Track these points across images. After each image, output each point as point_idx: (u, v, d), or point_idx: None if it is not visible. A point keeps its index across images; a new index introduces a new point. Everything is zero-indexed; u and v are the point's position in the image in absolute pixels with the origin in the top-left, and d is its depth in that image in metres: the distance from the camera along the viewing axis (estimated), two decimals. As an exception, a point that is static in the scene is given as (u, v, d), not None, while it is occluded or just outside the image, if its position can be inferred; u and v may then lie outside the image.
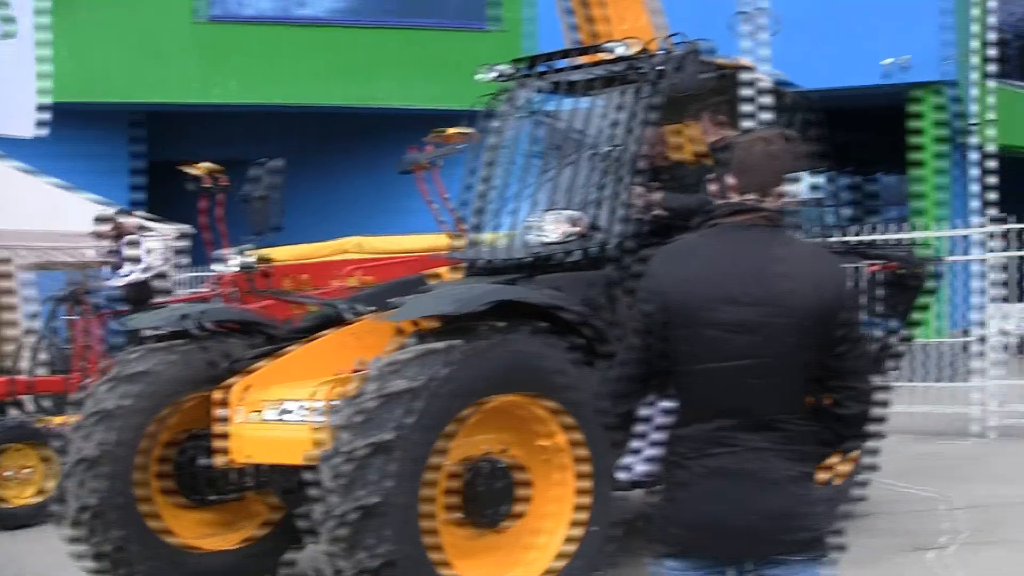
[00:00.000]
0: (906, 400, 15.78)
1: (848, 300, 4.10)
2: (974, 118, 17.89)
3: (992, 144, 16.90)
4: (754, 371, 3.92)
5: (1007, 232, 15.67)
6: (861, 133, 28.74)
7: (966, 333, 16.42)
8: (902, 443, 14.31)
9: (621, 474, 4.25)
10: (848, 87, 24.79)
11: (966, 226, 16.36)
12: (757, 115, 8.42)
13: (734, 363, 3.93)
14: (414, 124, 12.85)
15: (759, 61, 8.52)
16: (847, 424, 4.09)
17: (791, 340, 3.93)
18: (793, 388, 3.99)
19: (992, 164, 16.67)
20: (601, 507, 7.54)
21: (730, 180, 4.14)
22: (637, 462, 4.18)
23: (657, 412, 4.11)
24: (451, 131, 10.00)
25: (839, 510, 9.68)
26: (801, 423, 4.00)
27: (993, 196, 16.45)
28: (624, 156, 8.26)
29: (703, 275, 4.01)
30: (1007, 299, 16.69)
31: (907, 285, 10.21)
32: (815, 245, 4.59)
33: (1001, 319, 17.03)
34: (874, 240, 15.11)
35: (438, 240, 9.80)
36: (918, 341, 16.25)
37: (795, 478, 3.97)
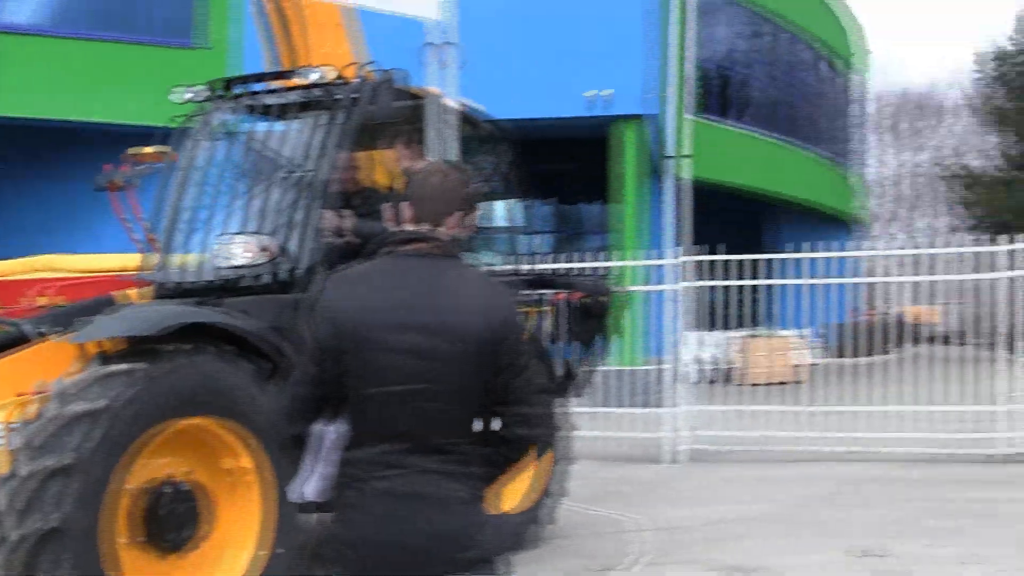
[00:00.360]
0: (600, 426, 16.22)
1: (516, 328, 4.20)
2: (672, 151, 18.48)
3: (688, 177, 17.49)
4: (424, 395, 3.99)
5: (700, 262, 16.22)
6: (565, 163, 29.38)
7: (661, 361, 16.91)
8: (596, 468, 14.71)
9: (294, 496, 4.27)
10: (553, 117, 25.33)
11: (661, 256, 16.85)
12: (446, 144, 8.55)
13: (404, 388, 3.99)
14: (115, 140, 12.59)
15: (449, 92, 8.64)
16: (514, 448, 4.20)
17: (460, 366, 4.02)
18: (462, 412, 4.08)
19: (687, 196, 17.24)
20: (286, 530, 7.52)
21: (405, 209, 4.21)
22: (309, 484, 4.20)
23: (329, 434, 4.14)
24: (148, 150, 9.84)
25: (527, 532, 9.93)
26: (470, 446, 4.09)
27: (688, 227, 17.02)
28: (316, 181, 8.28)
29: (375, 301, 4.06)
30: (700, 328, 17.26)
31: (592, 313, 10.49)
32: (487, 274, 4.71)
33: (695, 347, 17.62)
34: (571, 269, 15.45)
35: (131, 260, 9.63)
36: (614, 368, 16.73)
37: (464, 499, 4.05)
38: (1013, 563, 9.65)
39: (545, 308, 10.31)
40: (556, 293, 10.50)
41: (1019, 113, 51.62)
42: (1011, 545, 10.30)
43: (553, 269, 15.14)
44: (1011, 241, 15.81)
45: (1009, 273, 15.69)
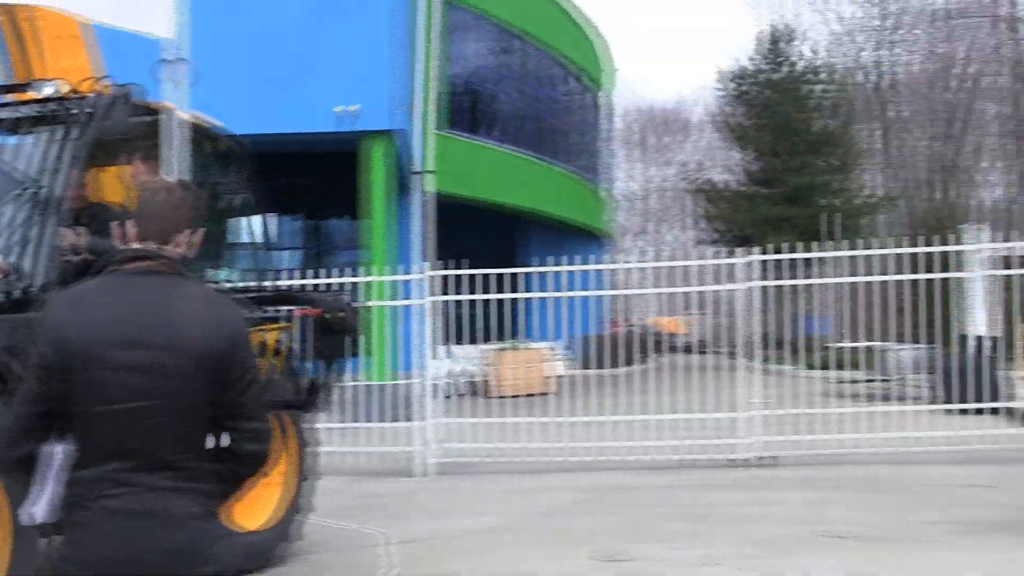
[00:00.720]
0: (351, 441, 16.22)
1: (245, 344, 4.20)
2: (419, 167, 18.57)
3: (432, 191, 17.58)
4: (151, 413, 3.96)
5: (448, 277, 16.33)
6: (314, 178, 29.25)
7: (411, 375, 16.97)
8: (348, 483, 14.70)
9: (24, 518, 4.18)
10: (302, 132, 25.23)
11: (408, 271, 16.91)
12: (180, 160, 8.46)
13: (131, 405, 3.95)
14: None
15: (183, 108, 8.56)
16: (244, 463, 4.19)
17: (188, 382, 3.99)
18: (192, 429, 4.05)
19: (432, 211, 17.35)
20: (23, 555, 7.34)
21: (131, 227, 4.18)
22: (39, 504, 4.12)
23: (58, 454, 4.08)
24: None
25: (275, 549, 9.87)
26: (200, 462, 4.07)
27: (433, 242, 17.11)
28: (51, 197, 8.10)
29: (100, 319, 4.01)
30: (451, 342, 17.38)
31: (333, 329, 10.47)
32: (215, 291, 4.68)
33: (445, 361, 17.74)
34: (318, 285, 15.40)
35: None
36: (364, 383, 16.72)
37: (197, 515, 4.02)
38: (751, 562, 9.97)
39: (287, 325, 10.26)
40: (298, 309, 10.44)
41: (759, 131, 53.25)
42: (750, 544, 10.63)
43: (301, 285, 15.08)
44: (749, 253, 16.35)
45: (746, 284, 16.21)
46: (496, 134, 39.56)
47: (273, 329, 10.03)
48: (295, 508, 10.41)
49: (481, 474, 15.76)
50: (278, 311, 10.30)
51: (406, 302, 16.70)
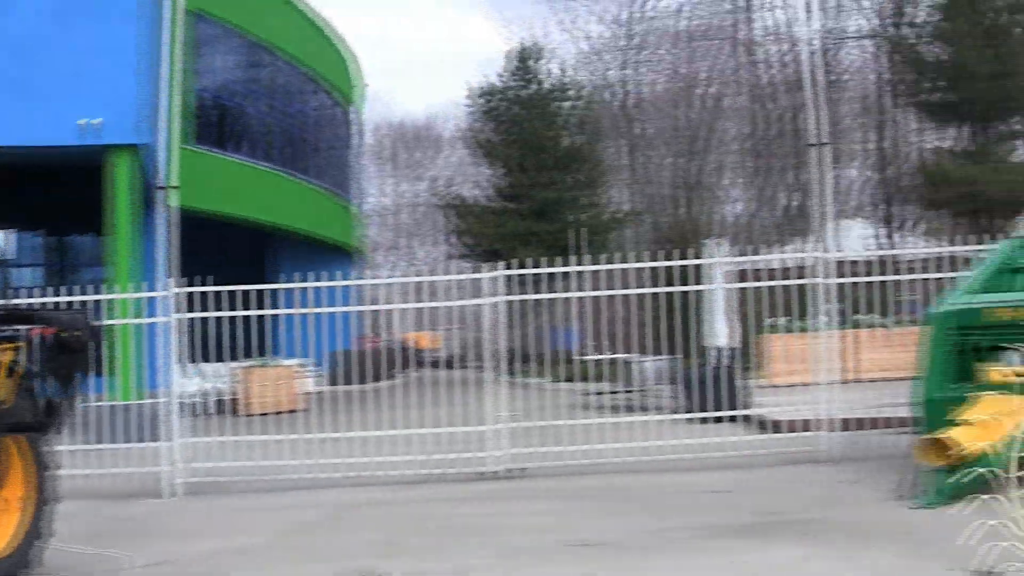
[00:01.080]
0: (95, 463, 15.89)
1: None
2: (163, 181, 18.30)
3: (176, 207, 17.33)
4: None
5: (191, 294, 16.11)
6: (56, 192, 28.57)
7: (156, 394, 16.70)
8: (93, 506, 14.42)
9: None
10: (42, 146, 24.65)
11: (153, 288, 16.65)
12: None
13: None
14: None
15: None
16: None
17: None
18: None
19: (176, 227, 17.09)
20: None
21: None
22: None
23: None
24: None
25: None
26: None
27: (177, 259, 16.87)
28: None
29: None
30: (199, 360, 17.15)
31: (70, 348, 10.23)
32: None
33: (197, 379, 17.50)
34: (59, 303, 15.07)
35: None
36: (109, 403, 16.40)
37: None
38: (499, 573, 10.10)
39: (21, 344, 9.98)
40: (33, 328, 10.16)
41: (507, 147, 53.89)
42: (498, 555, 10.76)
43: (41, 303, 14.71)
44: (496, 268, 16.53)
45: (492, 299, 16.39)
46: (245, 149, 39.18)
47: (7, 349, 9.76)
48: (35, 533, 10.12)
49: (231, 493, 15.60)
50: (16, 331, 10.02)
51: (151, 319, 16.43)
